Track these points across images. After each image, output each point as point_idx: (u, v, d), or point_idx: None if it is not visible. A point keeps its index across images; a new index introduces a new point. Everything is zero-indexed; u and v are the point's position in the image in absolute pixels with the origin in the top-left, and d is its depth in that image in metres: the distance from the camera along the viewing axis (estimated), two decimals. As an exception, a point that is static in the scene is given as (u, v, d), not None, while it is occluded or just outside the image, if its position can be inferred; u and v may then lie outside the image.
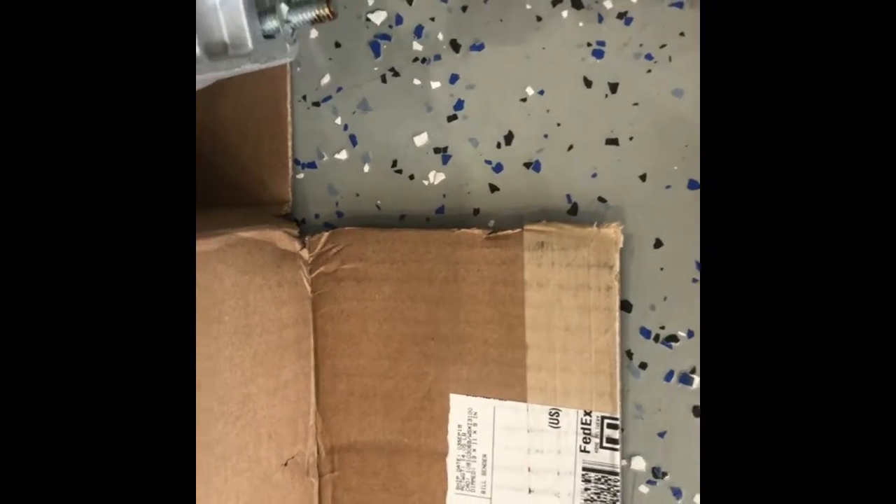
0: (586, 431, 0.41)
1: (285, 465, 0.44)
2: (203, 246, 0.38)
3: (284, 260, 0.44)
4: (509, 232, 0.42)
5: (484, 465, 0.43)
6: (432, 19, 0.44)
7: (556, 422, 0.42)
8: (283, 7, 0.38)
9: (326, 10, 0.38)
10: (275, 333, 0.43)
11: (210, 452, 0.38)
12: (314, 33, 0.46)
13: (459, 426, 0.44)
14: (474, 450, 0.43)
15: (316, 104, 0.46)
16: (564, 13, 0.41)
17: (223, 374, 0.39)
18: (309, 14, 0.38)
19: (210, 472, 0.38)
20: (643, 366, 0.41)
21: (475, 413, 0.43)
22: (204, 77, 0.36)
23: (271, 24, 0.37)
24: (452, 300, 0.43)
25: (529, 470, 0.42)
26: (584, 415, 0.41)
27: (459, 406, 0.44)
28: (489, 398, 0.43)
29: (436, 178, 0.44)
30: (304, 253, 0.46)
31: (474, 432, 0.43)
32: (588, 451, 0.41)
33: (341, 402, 0.46)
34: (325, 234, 0.45)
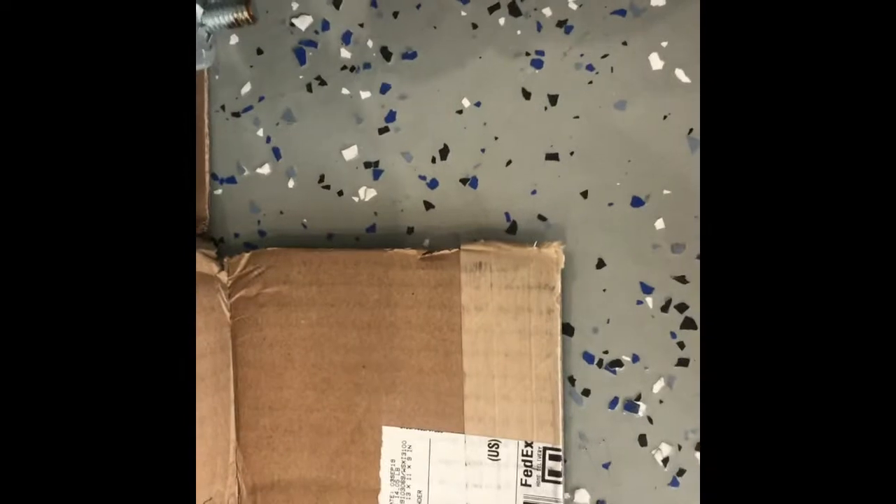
0: (527, 464, 0.39)
1: (202, 508, 0.40)
2: (106, 270, 0.34)
3: (201, 284, 0.40)
4: (445, 252, 0.39)
5: (419, 502, 0.40)
6: (361, 25, 0.41)
7: (495, 454, 0.39)
8: (198, 9, 0.35)
9: (245, 14, 0.35)
10: (189, 364, 0.39)
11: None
12: (234, 39, 0.42)
13: (393, 460, 0.41)
14: (408, 486, 0.40)
15: (236, 115, 0.43)
16: (501, 20, 0.39)
17: (130, 412, 0.35)
18: (226, 17, 0.35)
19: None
20: (586, 392, 0.39)
21: (409, 446, 0.40)
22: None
23: (183, 26, 0.34)
24: (385, 325, 0.40)
25: (468, 507, 0.40)
26: (526, 446, 0.39)
27: (392, 439, 0.41)
28: (424, 430, 0.40)
29: (366, 194, 0.42)
30: (223, 276, 0.42)
31: (408, 467, 0.40)
32: (529, 485, 0.39)
33: (264, 437, 0.42)
34: (246, 255, 0.42)
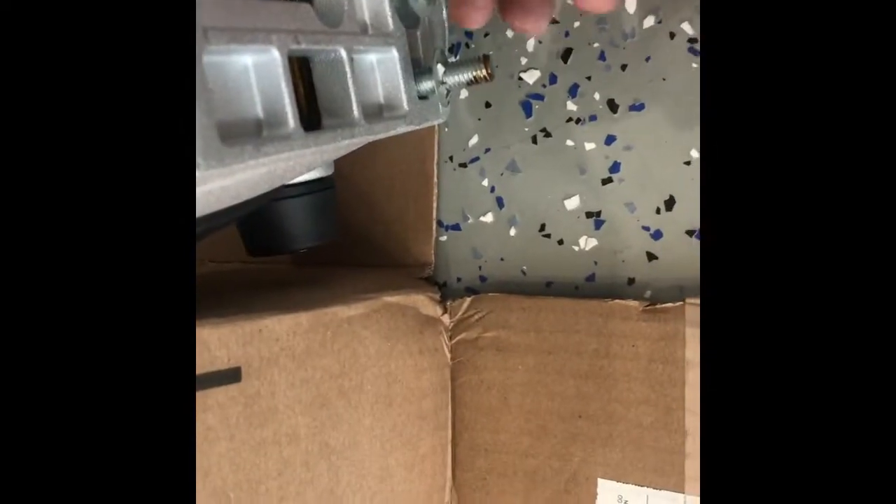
0: (754, 532, 0.37)
1: (419, 543, 0.41)
2: (349, 311, 0.37)
3: (426, 326, 0.42)
4: (669, 305, 0.38)
5: (634, 560, 0.39)
6: (588, 78, 0.41)
7: (718, 518, 0.38)
8: (440, 68, 0.37)
9: (484, 72, 0.36)
10: (414, 403, 0.41)
11: (346, 529, 0.36)
12: (463, 93, 0.44)
13: (608, 514, 0.40)
14: (624, 542, 0.40)
15: (463, 165, 0.45)
16: (735, 72, 0.38)
17: (363, 445, 0.37)
18: (466, 75, 0.37)
19: (345, 550, 0.36)
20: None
21: (626, 501, 0.40)
22: (358, 140, 0.35)
23: (426, 85, 0.36)
24: (603, 376, 0.40)
25: (688, 571, 0.38)
26: (752, 513, 0.37)
27: (608, 492, 0.40)
28: (642, 486, 0.39)
29: (587, 243, 0.42)
30: (445, 318, 0.44)
31: (624, 522, 0.40)
32: (756, 555, 0.37)
33: (479, 478, 0.43)
34: (468, 300, 0.43)
